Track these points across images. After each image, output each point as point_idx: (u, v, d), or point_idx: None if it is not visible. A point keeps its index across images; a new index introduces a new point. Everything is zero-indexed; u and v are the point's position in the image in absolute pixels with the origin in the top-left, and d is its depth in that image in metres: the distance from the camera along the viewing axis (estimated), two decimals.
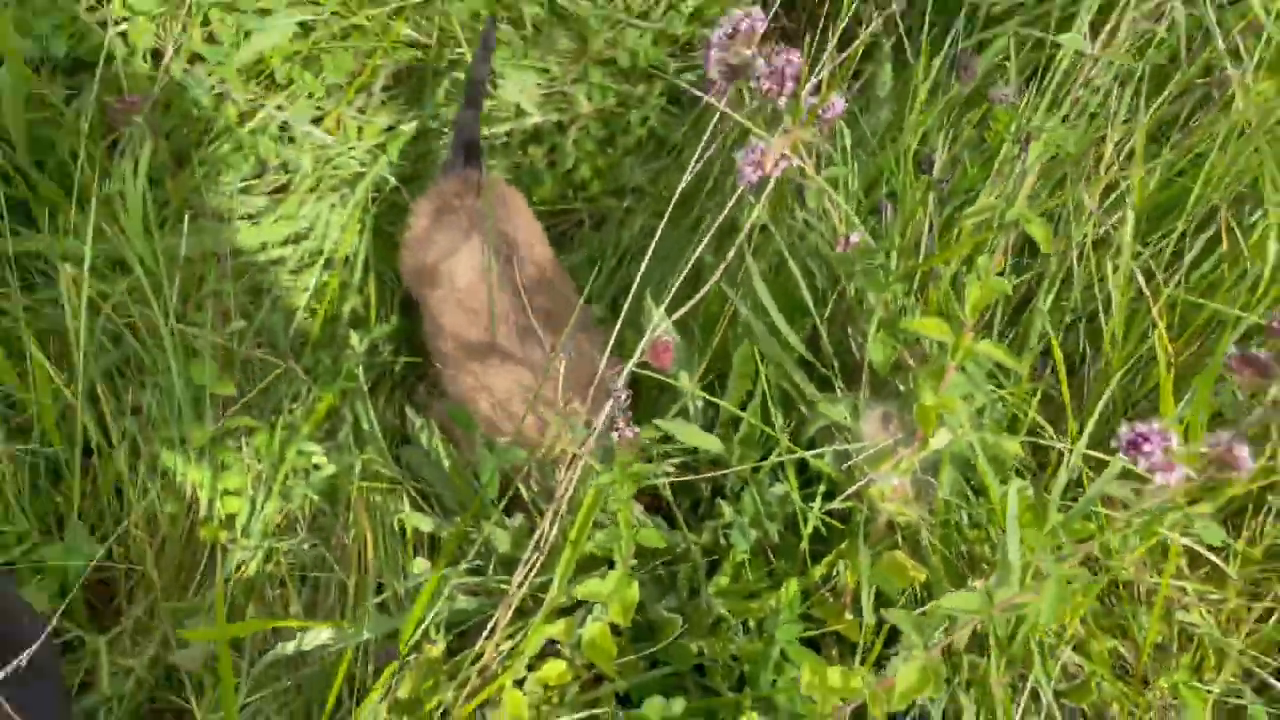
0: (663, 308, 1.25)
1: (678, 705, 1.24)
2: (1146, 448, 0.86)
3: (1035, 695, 1.40)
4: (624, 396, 1.14)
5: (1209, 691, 1.42)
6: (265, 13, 1.77)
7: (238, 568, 1.64)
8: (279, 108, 1.90)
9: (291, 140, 1.97)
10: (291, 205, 1.94)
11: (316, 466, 1.74)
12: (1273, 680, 1.47)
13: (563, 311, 1.64)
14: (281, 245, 1.92)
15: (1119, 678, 1.44)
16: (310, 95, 1.92)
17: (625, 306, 1.21)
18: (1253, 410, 0.91)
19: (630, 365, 1.13)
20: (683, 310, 1.19)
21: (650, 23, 2.16)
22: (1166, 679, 1.45)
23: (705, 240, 1.17)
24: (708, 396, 1.30)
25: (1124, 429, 0.87)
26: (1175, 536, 1.30)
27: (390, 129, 2.03)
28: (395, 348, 1.92)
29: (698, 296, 1.19)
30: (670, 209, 1.20)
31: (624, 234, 2.08)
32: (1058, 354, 1.27)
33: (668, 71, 2.20)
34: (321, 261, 1.94)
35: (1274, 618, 1.42)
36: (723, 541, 1.42)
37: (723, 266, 1.19)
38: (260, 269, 1.90)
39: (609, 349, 1.17)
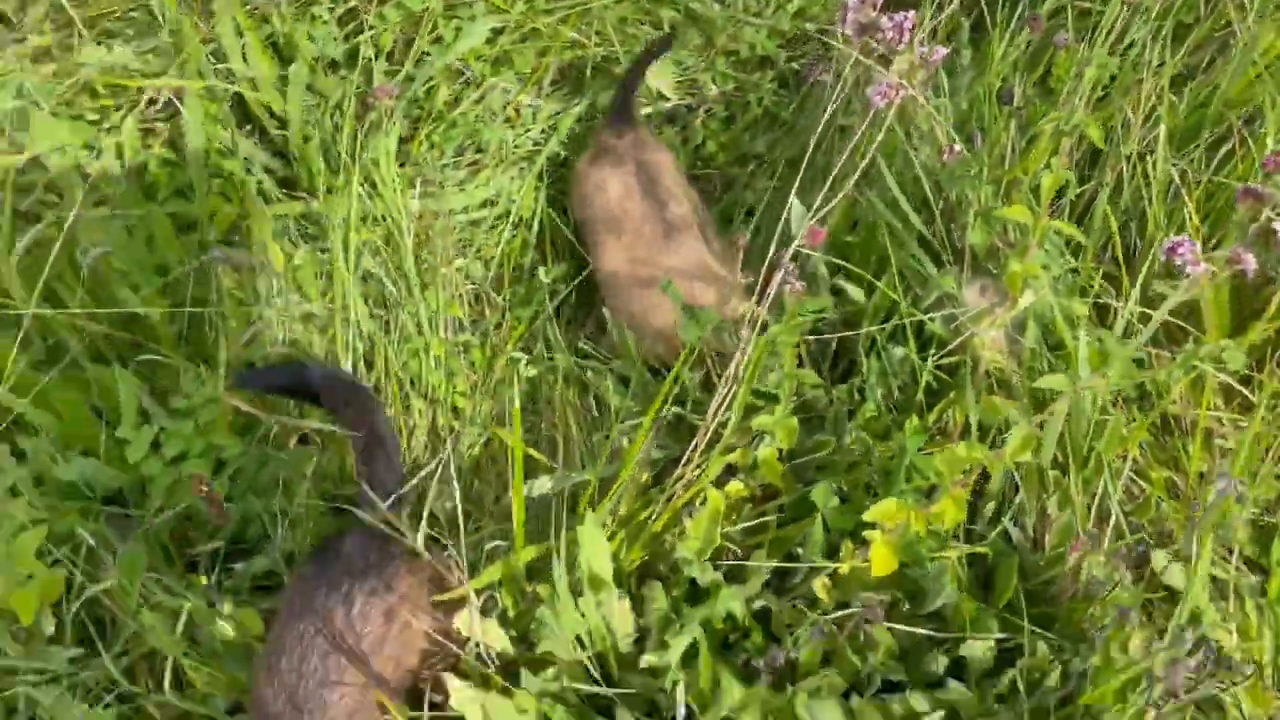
0: (810, 213, 1.64)
1: (834, 501, 1.62)
2: (1180, 250, 1.24)
3: (1105, 514, 1.75)
4: (792, 268, 1.54)
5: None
6: (471, 19, 2.21)
7: (469, 447, 2.05)
8: (477, 101, 2.33)
9: (482, 124, 2.40)
10: (484, 177, 2.36)
11: (518, 373, 2.16)
12: None
13: (693, 214, 2.06)
14: (479, 208, 2.35)
15: (1172, 499, 1.79)
16: (499, 87, 2.35)
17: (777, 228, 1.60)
18: (1251, 228, 1.27)
19: (796, 244, 1.52)
20: (827, 209, 1.58)
21: (764, 20, 2.56)
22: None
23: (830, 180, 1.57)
24: (841, 263, 1.68)
25: (1165, 243, 1.25)
26: (1209, 369, 1.65)
27: (557, 114, 2.46)
28: (567, 285, 2.31)
29: (838, 197, 1.58)
30: (797, 170, 1.59)
31: (748, 195, 2.46)
32: (1115, 232, 1.63)
33: (778, 60, 2.60)
34: (509, 221, 2.36)
35: None
36: (857, 397, 1.80)
37: (857, 173, 1.58)
38: (464, 226, 2.33)
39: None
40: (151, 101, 1.90)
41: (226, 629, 1.62)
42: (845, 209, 1.84)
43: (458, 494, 1.85)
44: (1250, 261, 1.25)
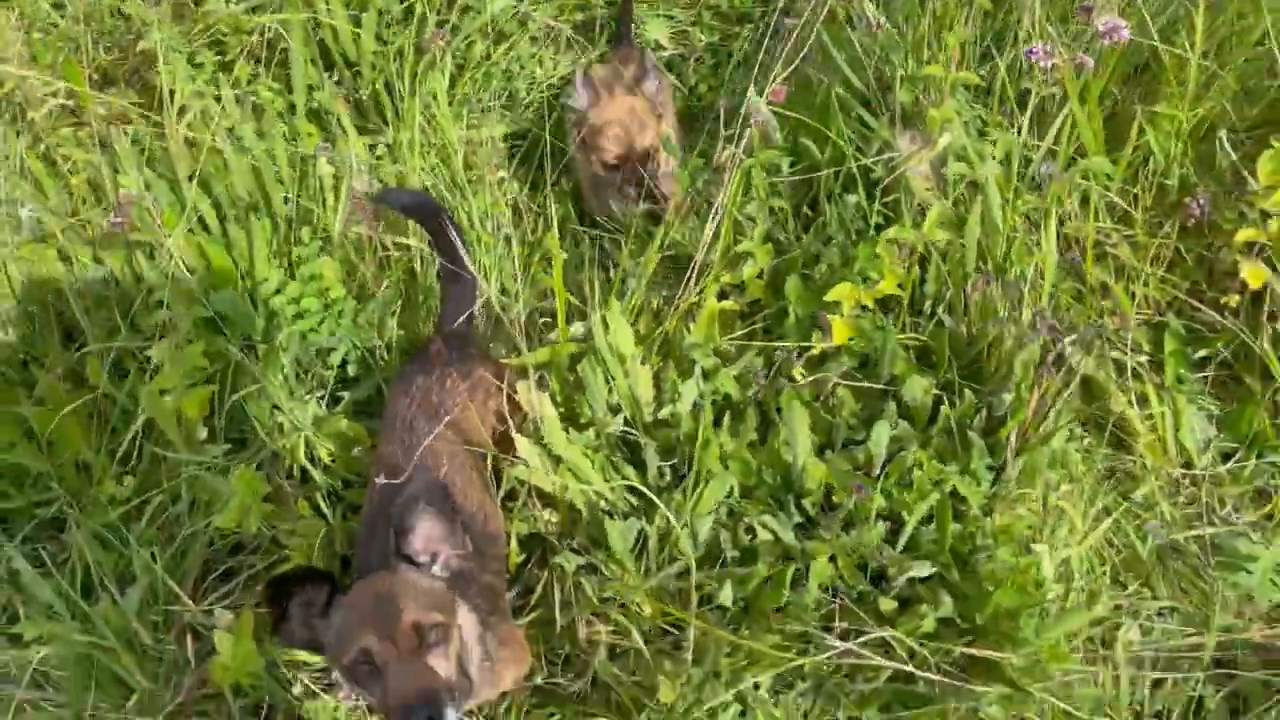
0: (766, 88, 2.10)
1: (801, 291, 2.04)
2: (1034, 52, 1.68)
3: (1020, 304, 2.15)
4: (764, 119, 1.98)
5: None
6: None
7: (516, 317, 2.49)
8: (507, 52, 2.81)
9: (509, 75, 2.87)
10: (518, 112, 2.83)
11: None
12: (1185, 297, 2.20)
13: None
14: (518, 139, 2.82)
15: (1075, 302, 2.20)
16: (526, 39, 2.84)
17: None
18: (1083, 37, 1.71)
19: (763, 102, 1.97)
20: (787, 72, 2.03)
21: None
22: (1110, 302, 2.21)
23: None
24: (802, 118, 2.13)
25: (1025, 50, 1.69)
26: (1093, 186, 2.07)
27: (575, 61, 2.93)
28: None
29: (791, 67, 2.03)
30: None
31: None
32: (1011, 94, 2.07)
33: (754, 15, 3.06)
34: (538, 150, 2.82)
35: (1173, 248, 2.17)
36: (820, 245, 2.23)
37: (802, 54, 2.03)
38: (508, 151, 2.80)
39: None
40: (254, 53, 2.38)
41: (345, 429, 2.06)
42: (801, 88, 2.30)
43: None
44: (1088, 61, 1.69)
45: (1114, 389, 2.18)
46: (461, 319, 2.02)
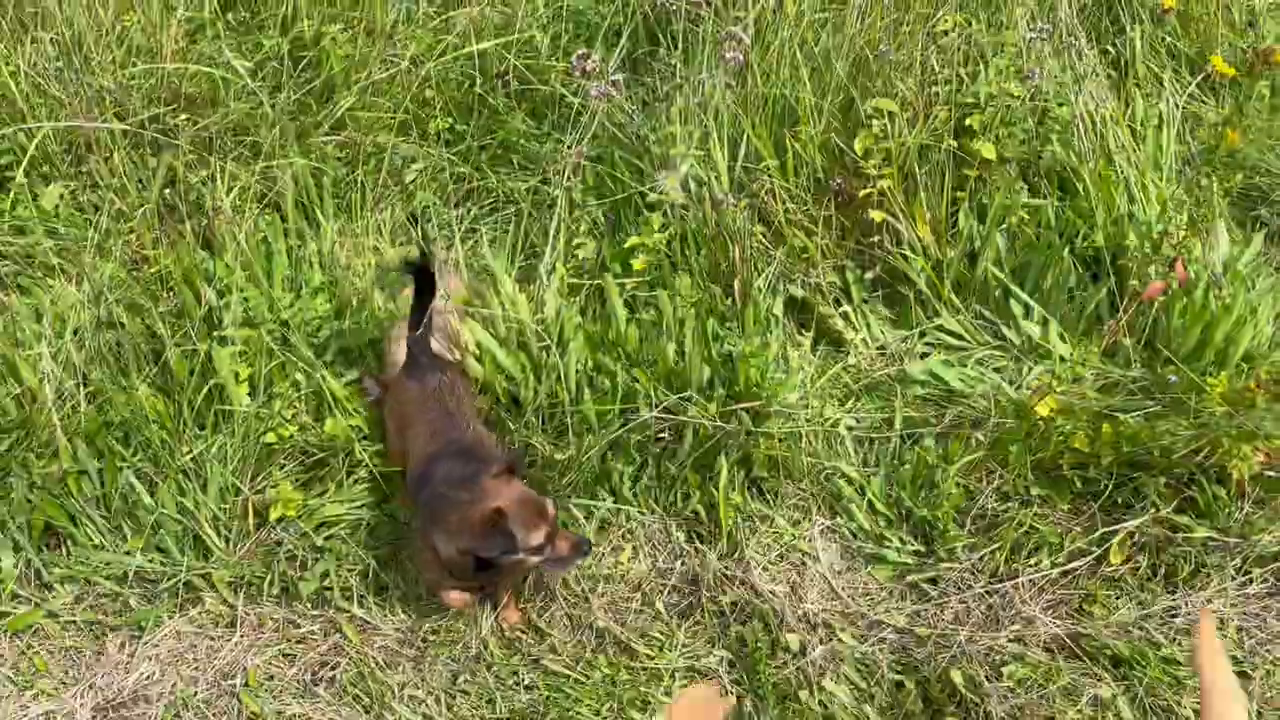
0: None
1: (612, 251, 3.27)
2: (722, 62, 3.05)
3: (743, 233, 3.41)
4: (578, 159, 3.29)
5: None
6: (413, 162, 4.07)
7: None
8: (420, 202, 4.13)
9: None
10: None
11: None
12: (853, 245, 3.49)
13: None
14: None
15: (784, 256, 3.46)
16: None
17: None
18: None
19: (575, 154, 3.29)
20: (583, 141, 3.37)
21: None
22: (805, 255, 3.48)
23: None
24: (600, 167, 3.45)
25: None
26: (776, 181, 3.41)
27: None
28: None
29: (589, 134, 3.38)
30: None
31: None
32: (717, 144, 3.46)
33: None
34: None
35: None
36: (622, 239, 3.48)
37: (593, 131, 3.39)
38: None
39: None
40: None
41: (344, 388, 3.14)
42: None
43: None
44: (739, 60, 3.07)
45: (818, 304, 3.40)
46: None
